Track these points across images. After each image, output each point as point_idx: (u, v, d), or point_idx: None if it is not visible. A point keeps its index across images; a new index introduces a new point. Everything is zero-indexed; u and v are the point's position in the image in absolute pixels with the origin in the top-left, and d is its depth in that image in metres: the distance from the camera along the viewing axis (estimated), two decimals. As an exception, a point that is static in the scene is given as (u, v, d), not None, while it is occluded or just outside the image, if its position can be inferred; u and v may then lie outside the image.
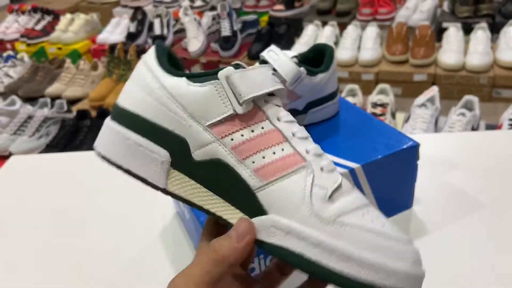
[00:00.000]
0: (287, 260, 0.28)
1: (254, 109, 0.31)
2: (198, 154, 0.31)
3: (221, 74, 0.30)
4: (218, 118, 0.30)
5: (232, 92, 0.30)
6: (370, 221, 0.28)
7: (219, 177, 0.31)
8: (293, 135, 0.31)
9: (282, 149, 0.30)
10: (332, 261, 0.27)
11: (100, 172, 0.72)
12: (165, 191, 0.33)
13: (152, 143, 0.32)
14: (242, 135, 0.30)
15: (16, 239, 0.59)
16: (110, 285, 0.51)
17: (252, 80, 0.31)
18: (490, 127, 1.35)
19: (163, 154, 0.32)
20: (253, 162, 0.30)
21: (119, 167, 0.33)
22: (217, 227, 0.33)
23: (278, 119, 0.32)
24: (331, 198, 0.29)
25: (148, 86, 0.32)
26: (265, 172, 0.30)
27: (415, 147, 0.50)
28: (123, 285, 0.50)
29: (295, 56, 0.53)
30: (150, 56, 0.33)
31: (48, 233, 0.60)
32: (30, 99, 1.77)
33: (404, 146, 0.50)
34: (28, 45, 2.43)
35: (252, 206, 0.30)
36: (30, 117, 1.44)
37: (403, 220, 0.55)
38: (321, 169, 0.30)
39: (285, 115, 0.32)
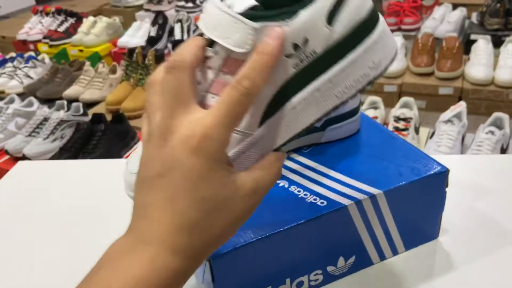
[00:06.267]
0: None
1: None
2: None
3: None
4: None
5: None
6: None
7: None
8: None
9: None
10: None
11: (108, 182, 0.69)
12: None
13: None
14: None
15: (17, 244, 0.57)
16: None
17: None
18: (520, 146, 1.28)
19: None
20: None
21: None
22: None
23: None
24: None
25: None
26: None
27: (444, 173, 0.45)
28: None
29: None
30: None
31: (49, 242, 0.57)
32: (48, 101, 1.78)
33: (432, 172, 0.45)
34: (51, 46, 2.46)
35: None
36: (45, 119, 1.44)
37: (428, 252, 0.50)
38: None
39: None
